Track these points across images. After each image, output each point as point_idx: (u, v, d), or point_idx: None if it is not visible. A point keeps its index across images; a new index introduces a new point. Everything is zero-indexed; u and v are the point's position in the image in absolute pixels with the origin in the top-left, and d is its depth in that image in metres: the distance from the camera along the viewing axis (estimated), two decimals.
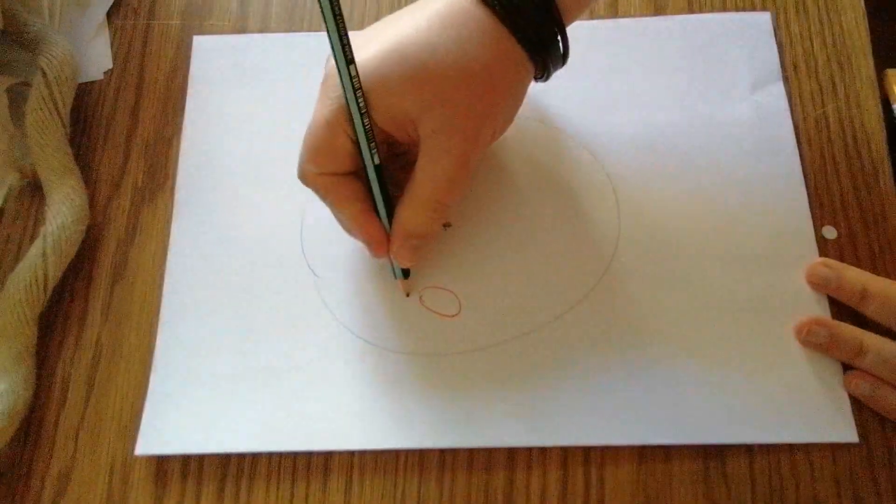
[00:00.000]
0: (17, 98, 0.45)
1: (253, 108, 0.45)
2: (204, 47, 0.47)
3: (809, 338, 0.37)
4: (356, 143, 0.34)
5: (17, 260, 0.41)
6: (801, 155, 0.42)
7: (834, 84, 0.43)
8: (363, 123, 0.33)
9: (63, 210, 0.41)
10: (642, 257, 0.40)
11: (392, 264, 0.38)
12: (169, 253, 0.42)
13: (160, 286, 0.41)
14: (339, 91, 0.33)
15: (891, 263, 0.39)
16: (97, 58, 0.47)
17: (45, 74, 0.43)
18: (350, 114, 0.33)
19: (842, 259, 0.39)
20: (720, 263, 0.39)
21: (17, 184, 0.44)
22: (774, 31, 0.45)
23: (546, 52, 0.35)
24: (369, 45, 0.33)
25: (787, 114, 0.42)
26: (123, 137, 0.45)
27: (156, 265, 0.42)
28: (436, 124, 0.33)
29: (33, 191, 0.44)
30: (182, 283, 0.41)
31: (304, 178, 0.36)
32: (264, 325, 0.40)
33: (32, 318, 0.39)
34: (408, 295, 0.39)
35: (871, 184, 0.41)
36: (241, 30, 0.47)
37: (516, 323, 0.39)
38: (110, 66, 0.47)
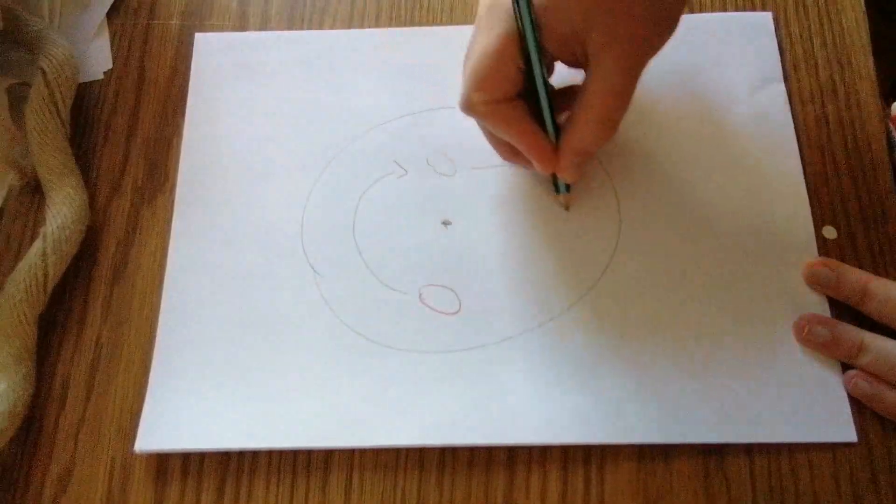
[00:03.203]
0: (17, 98, 0.45)
1: (254, 105, 0.45)
2: (205, 45, 0.47)
3: (809, 337, 0.37)
4: (523, 67, 0.35)
5: (17, 260, 0.41)
6: (801, 155, 0.42)
7: (834, 84, 0.43)
8: (536, 42, 0.34)
9: (63, 210, 0.41)
10: (642, 256, 0.40)
11: (555, 181, 0.40)
12: (169, 250, 0.42)
13: (160, 286, 0.41)
14: (506, 17, 0.34)
15: (891, 263, 0.39)
16: (97, 58, 0.47)
17: (45, 74, 0.43)
18: (522, 35, 0.34)
19: (842, 259, 0.39)
20: (720, 262, 0.39)
21: (17, 184, 0.44)
22: (775, 31, 0.45)
23: None
24: None
25: (788, 114, 0.42)
26: (123, 137, 0.45)
27: (156, 265, 0.42)
28: (603, 38, 0.33)
29: (33, 191, 0.44)
30: (182, 280, 0.41)
31: (471, 107, 0.36)
32: (264, 324, 0.40)
33: (32, 318, 0.39)
34: (567, 209, 0.41)
35: (871, 184, 0.41)
36: (241, 29, 0.47)
37: (516, 321, 0.39)
38: (110, 66, 0.47)
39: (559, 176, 0.39)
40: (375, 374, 0.38)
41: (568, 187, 0.40)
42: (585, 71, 0.35)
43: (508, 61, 0.34)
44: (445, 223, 0.41)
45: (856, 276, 0.37)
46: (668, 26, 0.35)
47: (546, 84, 0.36)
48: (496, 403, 0.37)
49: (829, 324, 0.37)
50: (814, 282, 0.38)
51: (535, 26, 0.34)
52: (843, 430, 0.36)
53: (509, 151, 0.39)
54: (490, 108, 0.36)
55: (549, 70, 0.38)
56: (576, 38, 0.34)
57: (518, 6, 0.33)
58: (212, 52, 0.47)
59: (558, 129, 0.37)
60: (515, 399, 0.37)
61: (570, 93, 0.37)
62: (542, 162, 0.37)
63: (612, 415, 0.36)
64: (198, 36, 0.47)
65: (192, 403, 0.38)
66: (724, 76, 0.44)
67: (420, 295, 0.40)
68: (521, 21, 0.34)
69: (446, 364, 0.38)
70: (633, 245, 0.40)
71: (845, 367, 0.37)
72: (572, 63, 0.36)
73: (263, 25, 0.47)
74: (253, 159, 0.44)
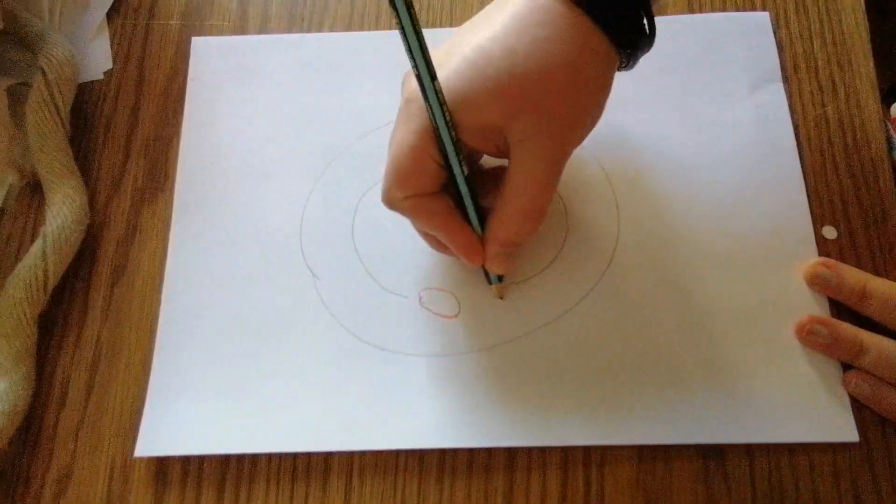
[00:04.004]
0: (17, 98, 0.45)
1: (252, 108, 0.45)
2: (202, 48, 0.47)
3: (810, 337, 0.37)
4: (442, 162, 0.34)
5: (17, 260, 0.41)
6: (800, 155, 0.42)
7: (834, 84, 0.43)
8: (451, 140, 0.33)
9: (63, 210, 0.41)
10: (641, 258, 0.40)
11: (485, 272, 0.38)
12: (168, 254, 0.42)
13: (160, 286, 0.41)
14: (422, 113, 0.33)
15: (891, 263, 0.39)
16: (97, 58, 0.47)
17: (45, 74, 0.43)
18: (437, 132, 0.33)
19: (842, 259, 0.39)
20: (719, 263, 0.39)
21: (17, 184, 0.44)
22: (774, 30, 0.45)
23: (632, 37, 0.33)
24: (449, 59, 0.33)
25: (787, 114, 0.42)
26: (123, 137, 0.45)
27: (156, 265, 0.42)
28: (525, 131, 0.32)
29: (33, 191, 0.44)
30: (182, 284, 0.41)
31: (392, 204, 0.35)
32: (264, 326, 0.40)
33: (32, 318, 0.39)
34: (502, 298, 0.39)
35: (871, 184, 0.41)
36: (241, 30, 0.47)
37: (516, 324, 0.39)
38: (110, 66, 0.47)
39: (487, 268, 0.37)
40: (375, 378, 0.38)
41: (500, 278, 0.39)
42: (509, 160, 0.34)
43: (426, 157, 0.33)
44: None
45: (855, 277, 0.37)
46: (591, 117, 0.34)
47: (467, 180, 0.34)
48: (496, 405, 0.37)
49: (829, 324, 0.37)
50: (814, 282, 0.38)
51: (450, 124, 0.32)
52: (844, 429, 0.36)
53: (438, 243, 0.37)
54: (412, 204, 0.34)
55: (477, 158, 0.37)
56: (496, 132, 0.33)
57: (430, 104, 0.32)
58: (209, 55, 0.47)
59: (484, 220, 0.36)
60: (515, 400, 0.37)
61: (501, 173, 0.35)
62: (467, 256, 0.36)
63: (612, 415, 0.36)
64: (194, 40, 0.47)
65: (191, 408, 0.38)
66: (724, 76, 0.44)
67: (420, 298, 0.40)
68: (435, 119, 0.32)
69: (446, 367, 0.38)
70: (632, 246, 0.40)
71: (845, 367, 0.37)
72: (495, 154, 0.34)
73: (263, 26, 0.47)
74: (252, 162, 0.44)
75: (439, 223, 0.35)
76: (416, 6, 0.47)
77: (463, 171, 0.34)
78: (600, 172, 0.42)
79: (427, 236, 0.37)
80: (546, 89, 0.32)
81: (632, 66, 0.35)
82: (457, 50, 0.33)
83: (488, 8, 0.34)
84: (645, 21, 0.33)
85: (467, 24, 0.35)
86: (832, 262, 0.38)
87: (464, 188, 0.35)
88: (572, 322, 0.39)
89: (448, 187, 0.35)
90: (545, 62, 0.32)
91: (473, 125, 0.33)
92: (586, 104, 0.33)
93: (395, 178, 0.34)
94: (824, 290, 0.38)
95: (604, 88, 0.34)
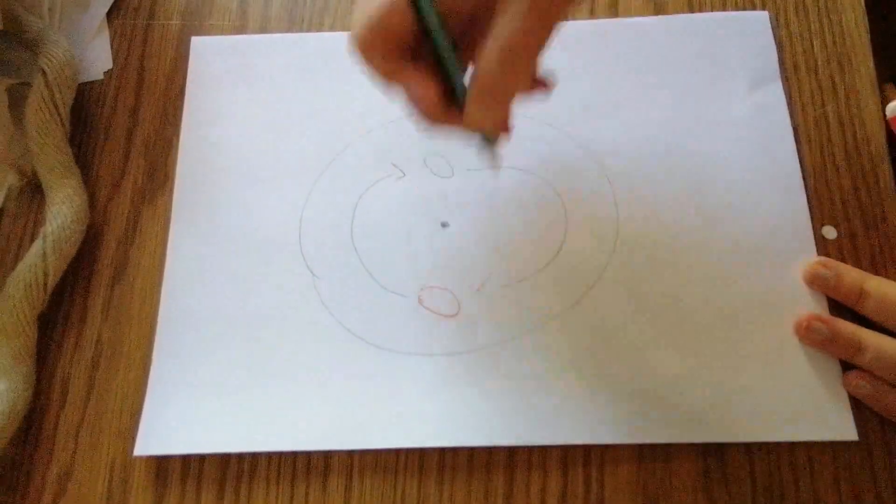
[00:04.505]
0: (17, 98, 0.45)
1: (251, 108, 0.45)
2: (202, 48, 0.47)
3: (809, 334, 0.37)
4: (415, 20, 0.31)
5: (17, 260, 0.41)
6: (800, 155, 0.42)
7: (834, 84, 0.43)
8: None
9: (63, 210, 0.41)
10: (640, 257, 0.40)
11: (481, 142, 0.35)
12: (168, 253, 0.42)
13: (160, 286, 0.41)
14: None
15: (891, 263, 0.39)
16: (97, 58, 0.47)
17: (45, 74, 0.43)
18: None
19: (842, 259, 0.39)
20: (719, 263, 0.39)
21: (17, 184, 0.44)
22: (774, 30, 0.45)
23: None
24: None
25: (786, 114, 0.42)
26: (123, 137, 0.45)
27: (155, 265, 0.42)
28: None
29: (33, 191, 0.44)
30: (181, 283, 0.41)
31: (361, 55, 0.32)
32: (263, 325, 0.40)
33: (32, 318, 0.39)
34: (497, 169, 0.36)
35: (871, 184, 0.41)
36: (241, 30, 0.47)
37: (516, 323, 0.39)
38: (110, 66, 0.47)
39: (467, 119, 0.32)
40: (374, 377, 0.38)
41: (494, 141, 0.35)
42: (495, 10, 0.30)
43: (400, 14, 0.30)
44: (444, 225, 0.41)
45: (854, 275, 0.37)
46: None
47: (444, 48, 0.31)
48: (496, 405, 0.37)
49: (828, 322, 0.37)
50: (813, 282, 0.38)
51: None
52: (843, 428, 0.36)
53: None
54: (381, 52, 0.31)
55: (455, 29, 0.33)
56: None
57: None
58: (208, 55, 0.47)
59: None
60: (515, 400, 0.37)
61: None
62: (425, 107, 0.32)
63: (612, 415, 0.36)
64: (194, 39, 0.47)
65: (190, 407, 0.38)
66: (723, 76, 0.44)
67: (419, 297, 0.40)
68: None
69: (446, 367, 0.38)
70: (631, 246, 0.40)
71: (846, 367, 0.37)
72: (469, 13, 0.32)
73: (263, 26, 0.47)
74: (251, 161, 0.44)
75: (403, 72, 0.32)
76: None
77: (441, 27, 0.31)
78: (599, 172, 0.42)
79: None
80: None
81: None
82: None
83: None
84: None
85: None
86: (831, 261, 0.38)
87: (440, 39, 0.31)
88: (572, 321, 0.39)
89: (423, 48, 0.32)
90: None
91: None
92: None
93: (365, 31, 0.31)
94: (823, 290, 0.38)
95: None
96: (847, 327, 0.37)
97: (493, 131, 0.34)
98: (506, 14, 0.30)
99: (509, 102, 0.32)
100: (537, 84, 0.35)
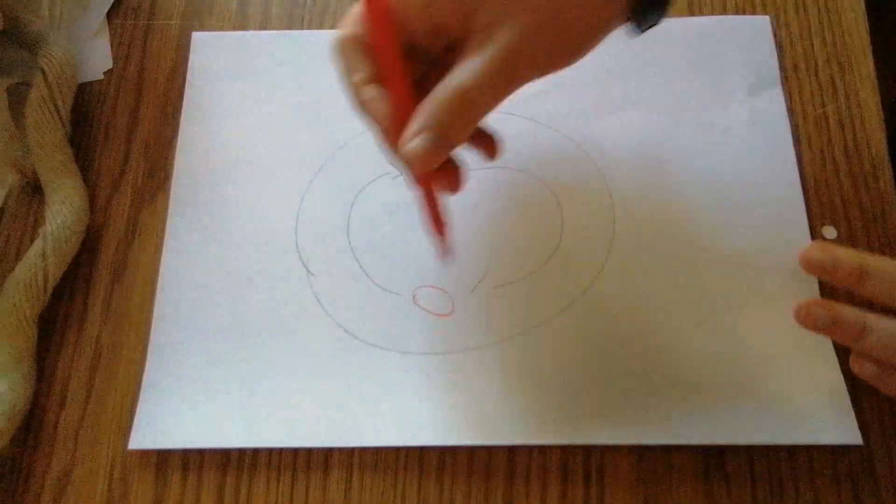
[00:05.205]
0: (17, 98, 0.45)
1: (250, 105, 0.45)
2: (202, 44, 0.47)
3: (809, 319, 0.35)
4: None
5: (17, 260, 0.41)
6: (800, 155, 0.42)
7: (834, 84, 0.43)
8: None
9: (63, 210, 0.41)
10: (638, 258, 0.40)
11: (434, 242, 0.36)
12: (164, 248, 0.42)
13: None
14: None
15: None
16: (97, 58, 0.47)
17: (45, 74, 0.43)
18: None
19: None
20: (717, 266, 0.39)
21: (17, 184, 0.44)
22: (774, 33, 0.45)
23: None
24: None
25: (785, 117, 0.42)
26: (123, 137, 0.45)
27: (155, 265, 0.42)
28: (494, 15, 0.29)
29: (33, 191, 0.44)
30: (177, 279, 0.41)
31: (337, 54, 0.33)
32: (259, 322, 0.40)
33: (32, 318, 0.39)
34: (447, 258, 0.37)
35: (871, 184, 0.41)
36: (241, 30, 0.47)
37: (510, 323, 0.39)
38: (110, 66, 0.47)
39: (400, 148, 0.31)
40: (368, 375, 0.38)
41: (441, 230, 0.36)
42: (462, 50, 0.30)
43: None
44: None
45: (851, 256, 0.35)
46: (563, 57, 0.31)
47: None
48: (494, 404, 0.37)
49: (829, 306, 0.35)
50: (809, 266, 0.36)
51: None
52: (847, 431, 0.36)
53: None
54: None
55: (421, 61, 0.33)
56: (456, 16, 0.30)
57: None
58: (209, 51, 0.47)
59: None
60: (514, 400, 0.37)
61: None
62: (385, 127, 0.32)
63: (612, 415, 0.36)
64: (195, 35, 0.47)
65: (184, 401, 0.38)
66: (723, 79, 0.44)
67: (413, 296, 0.40)
68: None
69: (441, 366, 0.38)
70: (628, 246, 0.40)
71: (846, 372, 0.37)
72: (438, 50, 0.32)
73: (264, 26, 0.47)
74: (249, 157, 0.44)
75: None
76: None
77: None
78: (596, 172, 0.42)
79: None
80: None
81: (642, 28, 0.32)
82: None
83: None
84: None
85: None
86: (826, 244, 0.37)
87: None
88: (569, 321, 0.39)
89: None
90: None
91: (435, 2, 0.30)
92: (571, 31, 0.30)
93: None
94: (821, 274, 0.37)
95: (595, 29, 0.31)
96: (850, 312, 0.35)
97: (419, 166, 0.32)
98: (469, 61, 0.30)
99: (444, 148, 0.31)
100: (485, 141, 0.35)
